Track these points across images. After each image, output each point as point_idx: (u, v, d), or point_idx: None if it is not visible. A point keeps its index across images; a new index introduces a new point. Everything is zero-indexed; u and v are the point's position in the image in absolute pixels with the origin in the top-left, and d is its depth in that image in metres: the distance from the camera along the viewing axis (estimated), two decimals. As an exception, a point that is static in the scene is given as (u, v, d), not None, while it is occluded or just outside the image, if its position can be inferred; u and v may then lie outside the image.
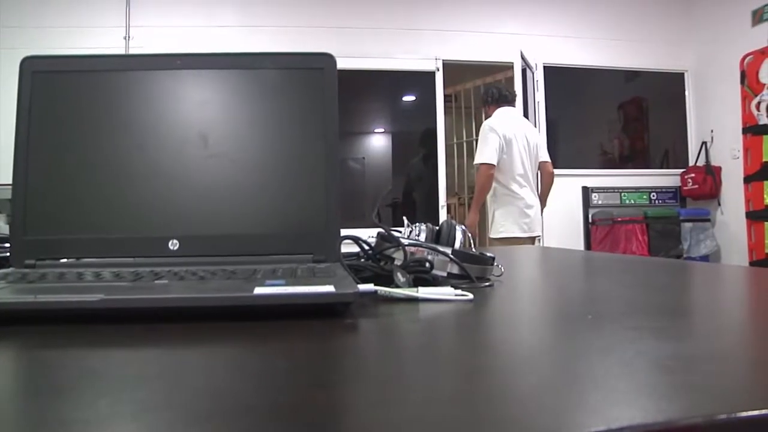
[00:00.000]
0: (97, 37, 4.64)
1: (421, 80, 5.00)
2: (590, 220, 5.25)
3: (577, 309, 0.68)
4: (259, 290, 0.54)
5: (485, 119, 3.60)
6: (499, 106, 3.59)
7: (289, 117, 0.84)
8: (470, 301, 0.66)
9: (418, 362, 0.43)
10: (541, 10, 5.30)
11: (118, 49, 4.62)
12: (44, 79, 0.85)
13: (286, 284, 0.59)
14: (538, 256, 1.57)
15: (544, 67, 5.27)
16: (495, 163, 3.40)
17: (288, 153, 0.83)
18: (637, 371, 0.38)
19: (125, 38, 4.69)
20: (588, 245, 5.22)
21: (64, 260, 0.81)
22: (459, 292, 0.68)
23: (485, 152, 3.42)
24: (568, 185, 5.23)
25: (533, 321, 0.62)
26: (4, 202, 4.12)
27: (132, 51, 4.66)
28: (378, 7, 4.93)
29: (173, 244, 0.80)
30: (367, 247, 0.85)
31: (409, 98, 5.45)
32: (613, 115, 5.62)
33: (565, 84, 5.36)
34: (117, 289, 0.57)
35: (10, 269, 0.79)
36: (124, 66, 0.86)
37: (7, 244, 1.09)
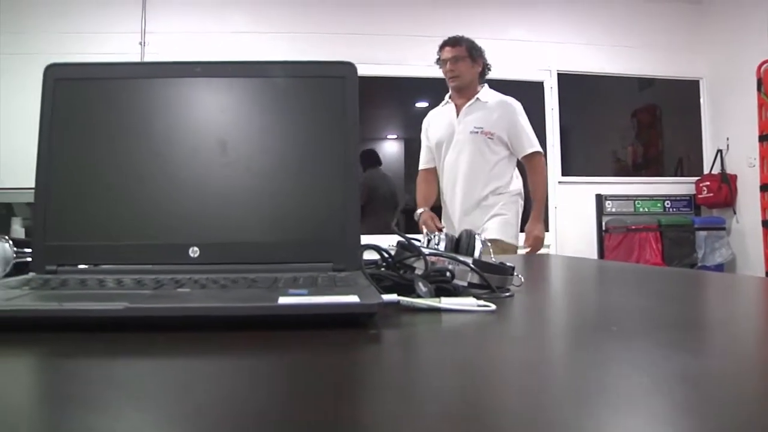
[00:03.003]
0: (113, 43, 4.68)
1: (435, 86, 5.00)
2: (604, 228, 5.22)
3: (600, 320, 0.67)
4: (282, 300, 0.54)
5: (480, 85, 2.96)
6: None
7: (309, 125, 0.84)
8: (492, 312, 0.66)
9: (443, 375, 0.43)
10: (554, 17, 5.29)
11: (133, 54, 4.65)
12: (67, 87, 0.85)
13: (309, 294, 0.58)
14: (554, 266, 1.56)
15: (558, 74, 5.25)
16: None
17: (308, 161, 0.83)
18: (668, 387, 0.38)
19: (141, 44, 4.72)
20: (601, 253, 5.19)
21: (84, 266, 0.82)
22: (481, 302, 0.67)
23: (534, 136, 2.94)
24: (582, 193, 5.21)
25: (557, 333, 0.61)
26: (20, 206, 4.14)
27: (147, 57, 4.70)
28: (391, 14, 4.94)
29: (193, 252, 0.80)
30: (387, 256, 0.84)
31: (422, 104, 5.44)
32: (627, 122, 5.59)
33: (579, 91, 5.33)
34: (140, 298, 0.57)
35: (31, 275, 0.79)
36: (145, 74, 0.87)
37: (27, 249, 1.09)
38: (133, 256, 0.81)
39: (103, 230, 0.82)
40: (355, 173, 0.83)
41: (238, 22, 4.83)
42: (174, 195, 0.82)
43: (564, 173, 5.21)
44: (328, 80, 0.85)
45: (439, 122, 3.04)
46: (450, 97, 2.99)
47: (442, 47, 2.93)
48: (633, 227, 5.00)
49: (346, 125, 0.83)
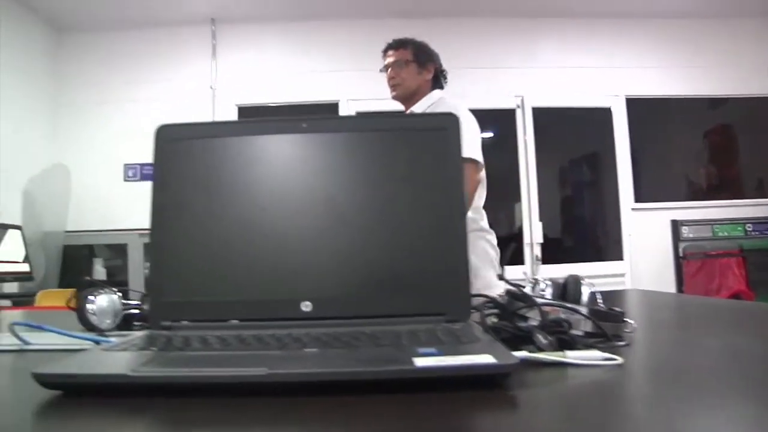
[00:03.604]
0: (184, 88, 4.86)
1: (500, 118, 4.99)
2: (681, 255, 5.05)
3: (742, 370, 0.64)
4: (420, 362, 0.54)
5: (431, 87, 2.53)
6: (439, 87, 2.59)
7: (414, 177, 0.85)
8: (620, 365, 0.64)
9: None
10: (620, 42, 5.21)
11: (205, 99, 4.81)
12: (176, 146, 0.88)
13: (440, 353, 0.58)
14: (651, 305, 1.51)
15: (626, 99, 5.16)
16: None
17: (415, 213, 0.83)
18: None
19: (212, 88, 4.88)
20: (680, 281, 5.02)
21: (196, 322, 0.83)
22: (607, 355, 0.65)
23: (478, 144, 2.37)
24: (656, 219, 5.06)
25: (709, 390, 0.58)
26: (100, 248, 4.28)
27: (218, 101, 4.85)
28: (453, 46, 4.96)
29: (306, 306, 0.80)
30: (498, 305, 0.83)
31: (486, 135, 5.43)
32: (699, 144, 5.43)
33: (647, 114, 5.22)
34: (275, 360, 0.57)
35: (148, 331, 0.81)
36: (251, 131, 0.89)
37: (132, 302, 1.13)
38: (245, 311, 0.82)
39: (215, 286, 0.84)
40: (463, 223, 0.83)
41: (310, 60, 4.93)
42: (284, 250, 0.83)
43: (637, 200, 5.09)
44: (431, 132, 0.86)
45: None
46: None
47: (385, 51, 2.58)
48: (712, 253, 4.83)
49: (450, 175, 0.83)
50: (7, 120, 4.40)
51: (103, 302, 1.05)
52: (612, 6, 5.04)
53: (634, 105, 5.18)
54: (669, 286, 4.96)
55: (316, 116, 0.87)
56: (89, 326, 1.02)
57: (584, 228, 5.43)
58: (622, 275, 4.90)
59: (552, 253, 4.96)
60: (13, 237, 4.16)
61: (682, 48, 5.26)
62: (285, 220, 0.84)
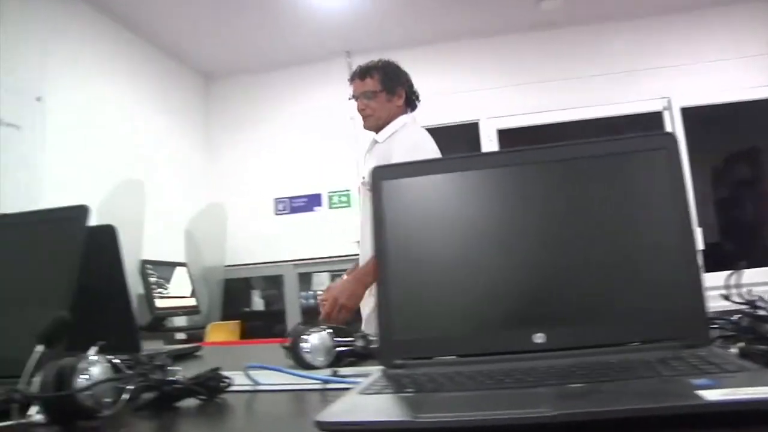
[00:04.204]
0: (326, 121, 5.06)
1: (643, 122, 4.78)
2: None
3: None
4: (710, 395, 0.53)
5: (403, 111, 2.42)
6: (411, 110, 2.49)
7: (638, 200, 0.84)
8: None
9: None
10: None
11: (346, 129, 4.97)
12: (393, 186, 0.92)
13: (717, 384, 0.57)
14: None
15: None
16: None
17: (643, 236, 0.83)
18: None
19: (352, 119, 5.03)
20: None
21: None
22: None
23: None
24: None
25: None
26: (256, 280, 4.48)
27: (359, 130, 4.98)
28: (588, 53, 4.83)
29: (539, 338, 0.81)
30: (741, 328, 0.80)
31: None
32: None
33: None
34: (552, 399, 0.58)
35: (381, 370, 0.83)
36: (466, 166, 0.91)
37: (345, 339, 1.17)
38: (475, 346, 0.84)
39: (443, 322, 0.86)
40: (692, 241, 0.81)
41: (443, 81, 4.97)
42: (512, 283, 0.85)
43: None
44: (649, 153, 0.84)
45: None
46: None
47: (351, 79, 2.45)
48: None
49: (676, 195, 0.82)
50: (168, 164, 4.77)
51: (316, 340, 1.10)
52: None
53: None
54: None
55: (530, 147, 0.89)
56: (303, 364, 1.07)
57: (746, 231, 5.08)
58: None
59: (714, 260, 4.66)
60: (180, 274, 4.48)
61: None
62: (508, 252, 0.85)
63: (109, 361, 0.75)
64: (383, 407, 0.65)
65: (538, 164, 0.88)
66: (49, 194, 3.37)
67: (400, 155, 2.18)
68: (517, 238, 0.86)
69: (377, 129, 2.41)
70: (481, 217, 0.89)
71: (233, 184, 5.31)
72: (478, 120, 4.97)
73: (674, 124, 4.75)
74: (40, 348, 0.77)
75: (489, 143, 4.89)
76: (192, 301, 4.50)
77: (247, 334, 4.61)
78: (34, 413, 0.71)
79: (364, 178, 2.26)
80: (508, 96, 4.84)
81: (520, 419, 0.54)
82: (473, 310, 0.85)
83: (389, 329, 0.87)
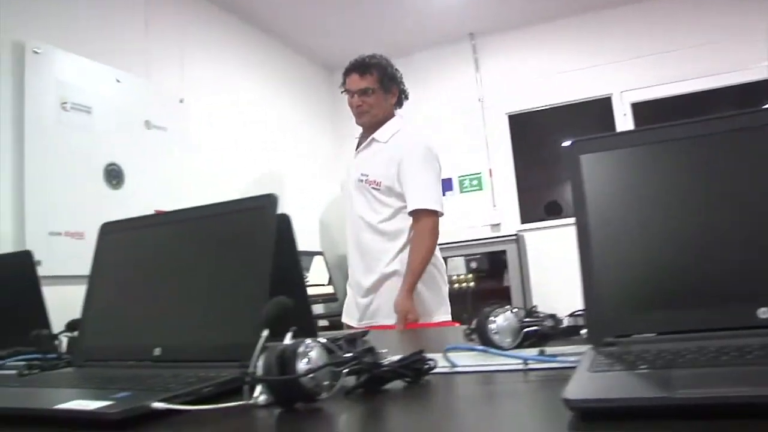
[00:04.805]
0: (454, 104, 5.02)
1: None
2: None
3: None
4: None
5: (392, 112, 2.49)
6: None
7: None
8: None
9: None
10: None
11: (475, 111, 4.92)
12: (592, 160, 0.88)
13: None
14: None
15: None
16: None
17: None
18: None
19: (480, 100, 4.99)
20: None
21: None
22: None
23: (437, 189, 2.35)
24: None
25: None
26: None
27: (488, 111, 4.93)
28: (720, 18, 4.49)
29: (764, 313, 0.75)
30: None
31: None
32: None
33: None
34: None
35: (593, 348, 0.80)
36: (664, 137, 0.87)
37: (528, 319, 1.14)
38: (694, 321, 0.78)
39: (653, 298, 0.82)
40: None
41: (570, 58, 4.82)
42: (722, 256, 0.79)
43: None
44: None
45: (347, 162, 2.57)
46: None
47: (348, 73, 2.46)
48: None
49: None
50: (300, 156, 4.91)
51: (502, 321, 1.07)
52: None
53: None
54: None
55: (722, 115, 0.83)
56: (490, 345, 1.05)
57: None
58: None
59: None
60: (318, 262, 4.60)
61: None
62: (711, 226, 0.81)
63: (324, 346, 0.76)
64: (628, 384, 0.62)
65: (737, 132, 0.82)
66: (194, 191, 3.53)
67: (419, 160, 2.30)
68: (721, 210, 0.80)
69: (371, 126, 2.44)
70: (685, 190, 0.84)
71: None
72: (611, 94, 4.76)
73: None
74: (265, 333, 0.79)
75: (623, 118, 4.68)
76: (330, 289, 4.62)
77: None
78: (259, 395, 0.73)
79: (362, 175, 2.35)
80: (641, 68, 4.60)
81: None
82: (685, 286, 0.80)
83: (598, 307, 0.83)
